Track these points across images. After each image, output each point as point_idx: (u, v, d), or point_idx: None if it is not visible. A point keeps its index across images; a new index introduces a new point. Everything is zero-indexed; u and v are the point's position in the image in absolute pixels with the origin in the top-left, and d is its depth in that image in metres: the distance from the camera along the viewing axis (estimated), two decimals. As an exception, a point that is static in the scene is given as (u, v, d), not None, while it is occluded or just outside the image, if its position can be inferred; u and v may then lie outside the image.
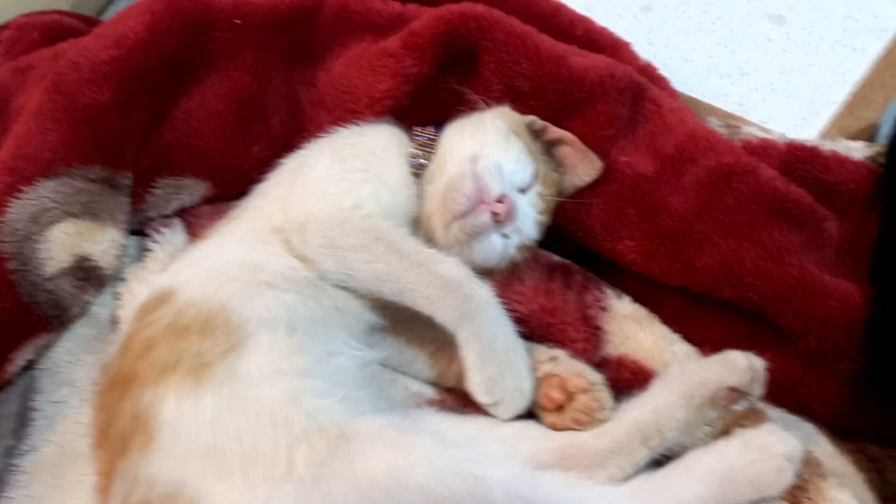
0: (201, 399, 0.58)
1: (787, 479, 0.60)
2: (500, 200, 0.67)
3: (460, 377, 0.68)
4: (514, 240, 0.72)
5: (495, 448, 0.64)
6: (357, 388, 0.67)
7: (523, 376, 0.66)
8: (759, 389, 0.65)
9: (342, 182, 0.73)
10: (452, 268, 0.67)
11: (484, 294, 0.66)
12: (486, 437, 0.65)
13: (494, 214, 0.67)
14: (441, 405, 0.72)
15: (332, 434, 0.57)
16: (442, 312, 0.66)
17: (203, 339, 0.61)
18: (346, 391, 0.64)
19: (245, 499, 0.55)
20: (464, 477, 0.55)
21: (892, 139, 0.74)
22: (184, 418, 0.57)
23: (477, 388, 0.65)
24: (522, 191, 0.72)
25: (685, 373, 0.65)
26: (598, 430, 0.65)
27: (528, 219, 0.72)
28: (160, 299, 0.65)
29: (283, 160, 0.79)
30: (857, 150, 0.77)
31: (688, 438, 0.66)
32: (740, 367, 0.64)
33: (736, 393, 0.64)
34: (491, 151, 0.70)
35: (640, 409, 0.65)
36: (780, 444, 0.61)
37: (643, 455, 0.64)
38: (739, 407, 0.67)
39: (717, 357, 0.66)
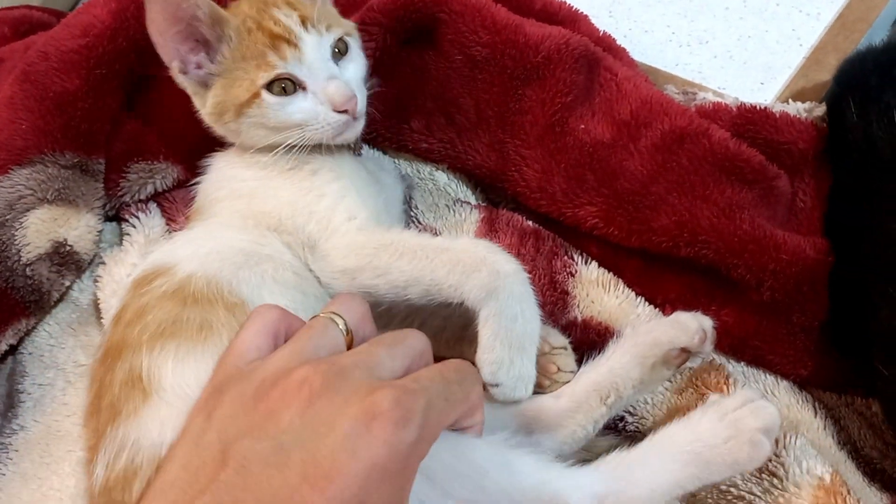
0: (204, 362, 0.57)
1: (763, 454, 0.59)
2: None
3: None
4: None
5: None
6: None
7: (530, 366, 0.63)
8: (708, 348, 0.68)
9: (322, 198, 0.71)
10: (469, 245, 0.65)
11: (510, 268, 0.63)
12: None
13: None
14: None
15: None
16: (468, 293, 0.63)
17: (210, 310, 0.61)
18: None
19: None
20: (453, 451, 0.55)
21: (831, 100, 0.76)
22: (183, 379, 0.57)
23: (483, 365, 0.62)
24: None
25: (638, 334, 0.68)
26: (558, 391, 0.67)
27: (355, 74, 0.73)
28: (156, 273, 0.65)
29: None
30: (807, 111, 0.79)
31: (646, 395, 0.69)
32: (691, 328, 0.66)
33: (686, 353, 0.67)
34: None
35: (597, 370, 0.67)
36: (753, 417, 0.60)
37: (602, 412, 0.66)
38: (692, 364, 0.70)
39: (668, 319, 0.69)
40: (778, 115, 0.77)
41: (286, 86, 0.69)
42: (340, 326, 0.50)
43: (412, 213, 0.85)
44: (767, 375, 0.74)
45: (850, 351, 0.70)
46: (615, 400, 0.66)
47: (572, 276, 0.77)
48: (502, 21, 0.78)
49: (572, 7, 0.90)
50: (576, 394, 0.66)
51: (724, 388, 0.69)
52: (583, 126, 0.75)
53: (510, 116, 0.80)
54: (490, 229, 0.81)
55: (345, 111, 0.69)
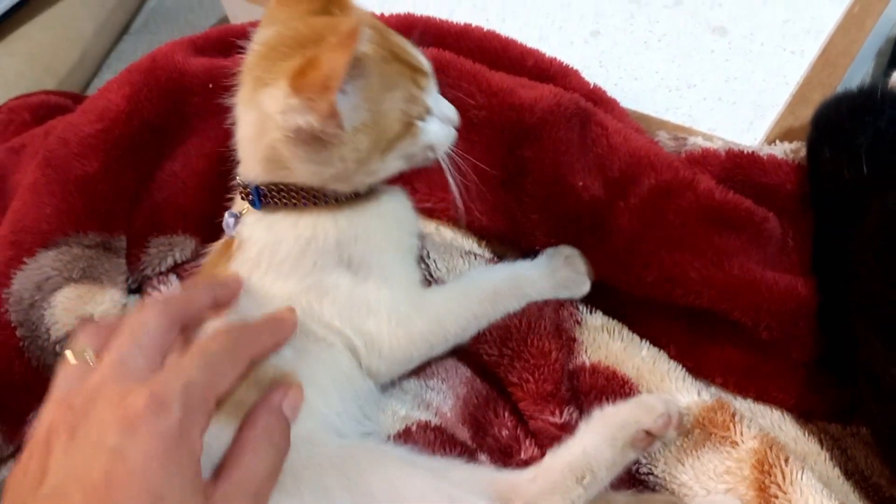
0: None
1: None
2: None
3: None
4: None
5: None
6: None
7: None
8: (672, 434, 0.69)
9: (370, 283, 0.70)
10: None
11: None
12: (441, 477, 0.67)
13: None
14: (425, 428, 0.76)
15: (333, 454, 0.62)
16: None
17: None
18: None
19: None
20: None
21: (809, 143, 0.79)
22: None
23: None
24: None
25: (606, 415, 0.69)
26: (533, 472, 0.68)
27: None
28: None
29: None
30: (794, 152, 0.82)
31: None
32: (657, 411, 0.67)
33: (650, 437, 0.68)
34: None
35: (571, 451, 0.68)
36: None
37: (579, 493, 0.66)
38: (656, 446, 0.70)
39: (635, 400, 0.70)
40: (765, 158, 0.80)
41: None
42: (86, 356, 0.49)
43: (425, 264, 0.86)
44: (773, 410, 0.76)
45: (847, 382, 0.72)
46: (591, 481, 0.66)
47: (578, 323, 0.80)
48: (497, 85, 0.82)
49: (562, 63, 0.93)
50: (551, 475, 0.66)
51: (731, 426, 0.70)
52: (581, 183, 0.78)
53: (514, 179, 0.82)
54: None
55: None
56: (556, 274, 0.79)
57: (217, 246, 0.76)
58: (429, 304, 0.72)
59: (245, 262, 0.70)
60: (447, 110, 0.72)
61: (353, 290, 0.69)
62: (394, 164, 0.69)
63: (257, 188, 0.69)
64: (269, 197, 0.69)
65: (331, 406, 0.68)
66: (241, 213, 0.72)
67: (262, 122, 0.65)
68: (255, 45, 0.68)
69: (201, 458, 0.44)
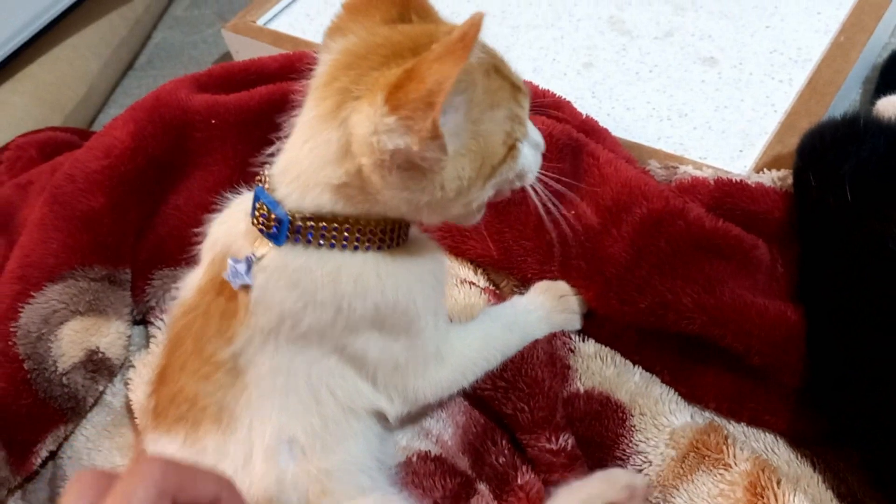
0: None
1: None
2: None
3: None
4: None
5: None
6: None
7: None
8: None
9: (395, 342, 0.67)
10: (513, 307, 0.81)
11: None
12: None
13: None
14: (426, 458, 0.78)
15: None
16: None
17: None
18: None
19: None
20: None
21: (795, 172, 0.81)
22: None
23: None
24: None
25: (571, 490, 0.70)
26: None
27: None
28: None
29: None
30: (781, 180, 0.84)
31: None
32: (620, 483, 0.69)
33: None
34: None
35: None
36: None
37: None
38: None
39: (600, 473, 0.72)
40: (753, 186, 0.82)
41: None
42: None
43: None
44: (766, 434, 0.77)
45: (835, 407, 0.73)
46: None
47: (571, 351, 0.81)
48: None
49: (555, 94, 0.96)
50: None
51: (724, 448, 0.72)
52: (573, 212, 0.80)
53: (505, 207, 0.84)
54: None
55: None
56: (551, 317, 0.81)
57: (203, 293, 0.63)
58: (452, 357, 0.74)
59: (255, 337, 0.60)
60: (535, 133, 0.62)
61: (382, 352, 0.64)
62: (489, 192, 0.60)
63: (289, 221, 0.57)
64: (304, 233, 0.57)
65: (357, 474, 0.68)
66: (256, 255, 0.58)
67: (346, 142, 0.54)
68: (332, 55, 0.57)
69: None
